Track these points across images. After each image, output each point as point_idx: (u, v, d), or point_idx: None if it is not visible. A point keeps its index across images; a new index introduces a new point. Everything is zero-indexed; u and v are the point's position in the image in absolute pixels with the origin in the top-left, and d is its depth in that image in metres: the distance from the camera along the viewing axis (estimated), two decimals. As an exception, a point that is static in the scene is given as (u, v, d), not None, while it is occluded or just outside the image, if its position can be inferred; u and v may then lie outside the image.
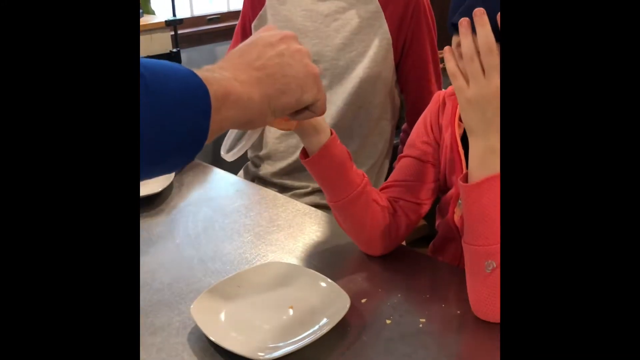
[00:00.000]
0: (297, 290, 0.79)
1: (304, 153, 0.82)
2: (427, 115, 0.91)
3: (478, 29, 0.66)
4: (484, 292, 0.70)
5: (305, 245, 0.93)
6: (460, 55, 0.69)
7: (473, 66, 0.67)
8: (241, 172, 1.49)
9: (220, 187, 1.18)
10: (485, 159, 0.69)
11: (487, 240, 0.69)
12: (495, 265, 0.68)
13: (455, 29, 0.72)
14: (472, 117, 0.69)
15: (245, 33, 1.36)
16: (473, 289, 0.72)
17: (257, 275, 0.81)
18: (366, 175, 0.84)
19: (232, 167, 1.46)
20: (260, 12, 1.32)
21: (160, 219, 1.03)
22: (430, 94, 1.19)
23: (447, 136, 0.85)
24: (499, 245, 0.68)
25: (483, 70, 0.67)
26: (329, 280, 0.79)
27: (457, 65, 0.69)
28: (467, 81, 0.68)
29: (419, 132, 0.90)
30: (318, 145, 0.79)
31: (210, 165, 1.27)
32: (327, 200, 0.84)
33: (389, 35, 1.22)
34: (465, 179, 0.72)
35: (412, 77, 1.28)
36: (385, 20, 1.22)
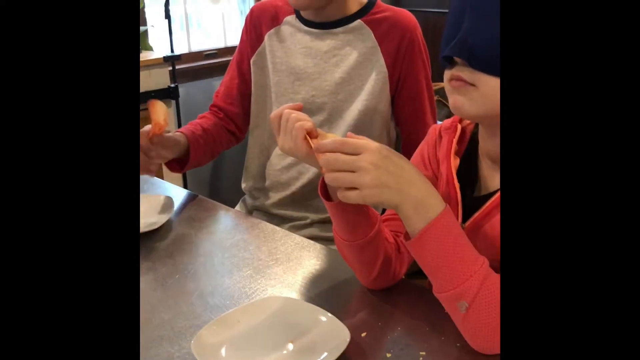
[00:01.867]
0: (297, 324, 0.79)
1: (323, 189, 0.80)
2: (424, 148, 0.92)
3: (324, 144, 0.69)
4: (469, 330, 0.71)
5: (305, 279, 0.93)
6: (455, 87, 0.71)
7: (344, 179, 0.68)
8: (238, 205, 1.50)
9: (218, 221, 1.18)
10: (416, 213, 0.69)
11: (451, 285, 0.69)
12: (467, 304, 0.68)
13: (447, 62, 0.74)
14: (385, 198, 0.69)
15: (242, 69, 1.39)
16: (459, 327, 0.73)
17: (256, 310, 0.81)
18: (378, 213, 0.84)
19: (229, 201, 1.47)
20: (259, 48, 1.36)
21: (159, 254, 1.03)
22: (425, 127, 1.22)
23: (443, 169, 0.86)
24: (464, 285, 0.68)
25: (352, 171, 0.67)
26: (329, 314, 0.79)
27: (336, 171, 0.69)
28: (352, 189, 0.68)
29: (416, 164, 0.91)
30: None
31: (208, 199, 1.28)
32: (344, 239, 0.82)
33: (385, 69, 1.25)
34: (407, 236, 0.72)
35: (408, 110, 1.31)
36: (381, 55, 1.25)
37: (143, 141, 1.11)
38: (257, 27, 1.36)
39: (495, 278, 0.69)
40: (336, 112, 1.27)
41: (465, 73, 0.72)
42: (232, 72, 1.42)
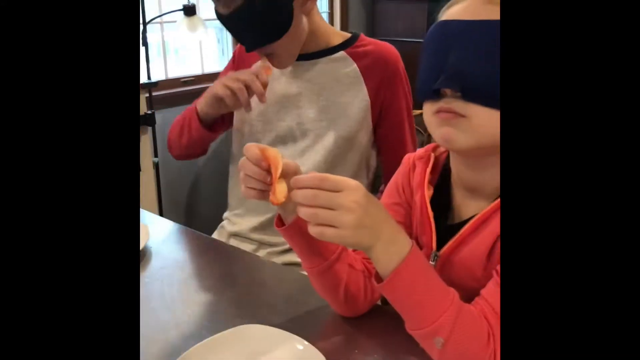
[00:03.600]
0: (274, 353, 0.79)
1: (280, 220, 0.81)
2: (398, 177, 0.93)
3: (298, 192, 0.67)
4: None
5: (282, 307, 0.93)
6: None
7: (323, 216, 0.66)
8: (216, 232, 1.49)
9: (195, 248, 1.18)
10: (387, 253, 0.69)
11: (425, 322, 0.69)
12: (444, 340, 0.68)
13: (436, 94, 0.72)
14: (358, 242, 0.68)
15: None
16: None
17: (233, 339, 0.81)
18: None
19: (206, 228, 1.46)
20: None
21: (134, 282, 1.02)
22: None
23: (417, 199, 0.87)
24: (438, 322, 0.67)
25: (331, 208, 0.66)
26: (306, 342, 0.79)
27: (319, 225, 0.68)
28: (331, 226, 0.66)
29: (390, 193, 0.93)
30: (295, 213, 0.76)
31: (184, 227, 1.28)
32: (304, 266, 0.84)
33: (367, 99, 1.28)
34: (379, 277, 0.71)
35: (389, 140, 1.34)
36: (364, 86, 1.28)
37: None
38: (244, 60, 1.40)
39: (469, 311, 0.69)
40: (318, 137, 1.30)
41: (458, 105, 0.71)
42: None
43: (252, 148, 0.74)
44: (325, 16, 3.40)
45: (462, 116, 0.71)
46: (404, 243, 0.69)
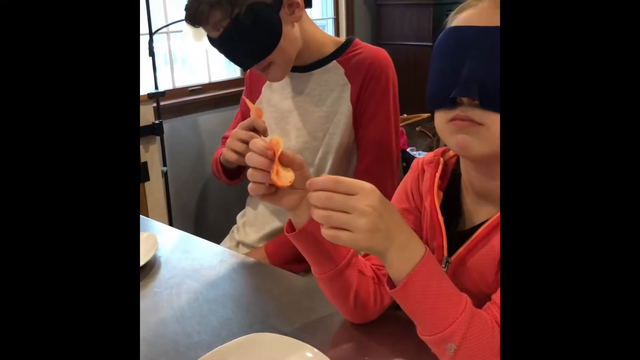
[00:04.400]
0: (284, 361, 0.78)
1: (290, 226, 0.81)
2: (407, 182, 0.92)
3: (313, 193, 0.67)
4: None
5: (291, 315, 0.93)
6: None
7: (338, 219, 0.66)
8: (227, 238, 1.50)
9: (203, 257, 1.18)
10: (401, 259, 0.68)
11: (437, 328, 0.68)
12: (456, 346, 0.67)
13: (452, 102, 0.71)
14: (371, 245, 0.67)
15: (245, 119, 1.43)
16: None
17: (242, 347, 0.81)
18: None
19: (215, 236, 1.46)
20: (258, 100, 1.42)
21: (143, 292, 1.02)
22: (388, 156, 1.26)
23: (427, 204, 0.86)
24: (451, 328, 0.67)
25: (346, 212, 0.66)
26: (315, 349, 0.78)
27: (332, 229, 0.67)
28: (346, 229, 0.66)
29: (400, 198, 0.92)
30: (306, 219, 0.78)
31: (193, 236, 1.28)
32: (313, 272, 0.83)
33: (349, 102, 1.27)
34: (391, 283, 0.71)
35: (372, 141, 1.30)
36: (350, 90, 1.28)
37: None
38: (255, 81, 1.43)
39: (481, 317, 0.68)
40: (315, 149, 1.31)
41: (475, 113, 0.70)
42: (236, 122, 1.48)
43: (257, 141, 0.74)
44: (330, 22, 3.40)
45: (480, 124, 0.70)
46: (418, 248, 0.69)
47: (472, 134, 0.71)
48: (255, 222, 1.40)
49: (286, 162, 0.74)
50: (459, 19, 0.74)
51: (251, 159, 0.74)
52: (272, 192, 0.76)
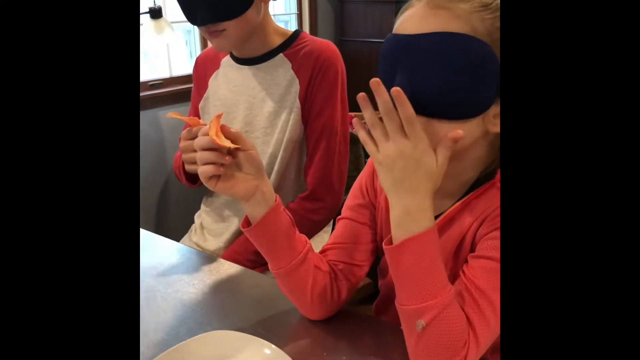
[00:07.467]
0: (242, 358, 0.78)
1: (246, 221, 0.82)
2: (362, 178, 0.93)
3: (378, 99, 0.68)
4: (419, 351, 0.71)
5: (249, 312, 0.93)
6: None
7: (376, 132, 0.69)
8: (185, 237, 1.49)
9: (162, 255, 1.17)
10: (401, 221, 0.70)
11: (415, 300, 0.69)
12: (424, 324, 0.69)
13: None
14: (383, 178, 0.70)
15: (196, 115, 1.43)
16: (409, 349, 0.73)
17: (201, 345, 0.80)
18: (309, 241, 0.85)
19: (175, 234, 1.45)
20: (205, 94, 1.41)
21: (100, 290, 1.01)
22: (330, 148, 1.27)
23: (381, 199, 0.88)
24: (428, 303, 0.68)
25: (387, 134, 0.69)
26: (273, 346, 0.79)
27: (368, 133, 0.71)
28: (377, 145, 0.70)
29: (354, 194, 0.93)
30: (262, 212, 0.79)
31: (152, 233, 1.26)
32: (270, 268, 0.84)
33: (297, 100, 1.27)
34: (390, 241, 0.73)
35: (319, 135, 1.29)
36: (298, 85, 1.27)
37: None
38: (201, 76, 1.42)
39: (457, 310, 0.69)
40: (266, 145, 1.31)
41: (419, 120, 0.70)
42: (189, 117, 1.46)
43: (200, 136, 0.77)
44: (294, 17, 3.40)
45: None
46: (423, 221, 0.69)
47: None
48: (212, 225, 1.41)
49: (230, 136, 0.76)
50: (400, 21, 0.75)
51: (198, 143, 0.76)
52: (223, 173, 0.76)
